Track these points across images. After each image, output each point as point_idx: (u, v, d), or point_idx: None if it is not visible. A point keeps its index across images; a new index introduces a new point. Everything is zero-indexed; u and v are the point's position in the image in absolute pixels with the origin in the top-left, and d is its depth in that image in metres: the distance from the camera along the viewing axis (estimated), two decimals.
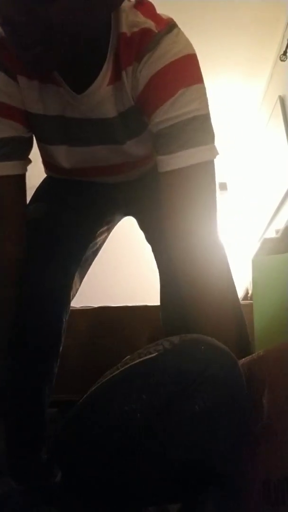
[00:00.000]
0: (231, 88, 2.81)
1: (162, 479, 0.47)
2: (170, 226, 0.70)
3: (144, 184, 0.93)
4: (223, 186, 3.49)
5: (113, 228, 1.06)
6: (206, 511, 0.49)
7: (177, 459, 0.46)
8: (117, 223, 1.07)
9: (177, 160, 0.66)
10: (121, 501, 0.48)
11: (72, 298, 0.86)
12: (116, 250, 2.04)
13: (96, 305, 1.31)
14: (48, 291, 0.76)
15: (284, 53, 2.43)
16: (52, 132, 0.77)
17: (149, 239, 0.96)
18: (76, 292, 0.88)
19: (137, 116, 0.73)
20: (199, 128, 0.67)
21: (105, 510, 0.48)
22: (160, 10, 0.72)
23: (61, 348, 0.79)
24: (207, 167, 0.68)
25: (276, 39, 2.52)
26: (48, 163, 0.89)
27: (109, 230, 1.04)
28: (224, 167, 3.36)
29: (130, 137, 0.77)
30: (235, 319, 0.68)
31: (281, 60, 2.47)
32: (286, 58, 2.43)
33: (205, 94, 0.69)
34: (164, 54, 0.66)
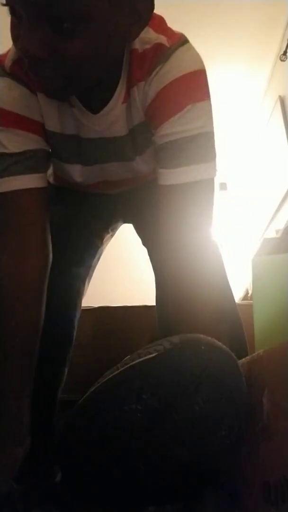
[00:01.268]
0: (231, 88, 2.81)
1: (162, 479, 0.47)
2: (166, 239, 0.69)
3: (142, 189, 0.93)
4: (223, 186, 3.49)
5: (115, 234, 1.07)
6: (206, 511, 0.49)
7: (177, 459, 0.46)
8: (118, 228, 1.08)
9: (178, 176, 0.66)
10: (121, 501, 0.48)
11: (80, 305, 0.87)
12: (116, 250, 2.04)
13: (96, 305, 1.31)
14: (62, 297, 0.77)
15: (284, 53, 2.43)
16: (67, 150, 0.77)
17: (145, 243, 0.97)
18: (84, 296, 0.90)
19: (145, 131, 0.73)
20: (202, 145, 0.67)
21: (105, 510, 0.48)
22: (160, 10, 0.71)
23: (71, 352, 0.80)
24: (207, 184, 0.68)
25: (276, 39, 2.52)
26: (59, 176, 0.89)
27: (112, 237, 1.05)
28: (224, 167, 3.36)
29: (138, 153, 0.78)
30: (230, 329, 0.68)
31: (281, 60, 2.47)
32: (286, 58, 2.43)
33: (211, 111, 0.69)
34: (174, 68, 0.66)
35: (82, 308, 1.24)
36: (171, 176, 0.67)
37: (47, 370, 0.73)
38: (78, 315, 0.83)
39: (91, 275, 0.95)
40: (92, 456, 0.48)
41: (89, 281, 0.93)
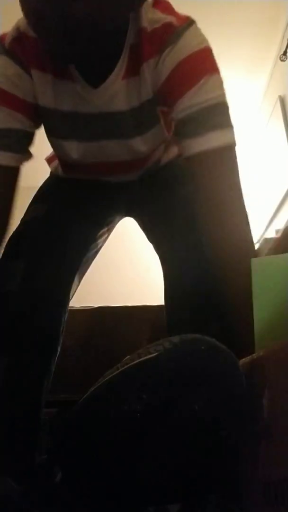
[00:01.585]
0: (231, 88, 2.80)
1: (162, 479, 0.47)
2: (205, 210, 0.71)
3: (145, 185, 0.94)
4: None
5: (113, 229, 1.06)
6: (206, 511, 0.49)
7: (177, 459, 0.46)
8: (117, 223, 1.07)
9: (210, 141, 0.68)
10: (121, 501, 0.48)
11: (71, 298, 0.86)
12: (116, 250, 2.04)
13: (96, 305, 1.31)
14: (48, 291, 0.76)
15: (284, 53, 2.43)
16: (63, 127, 0.78)
17: (152, 238, 0.96)
18: (74, 293, 0.88)
19: (151, 110, 0.75)
20: (225, 112, 0.71)
21: (105, 510, 0.48)
22: None
23: (59, 348, 0.79)
24: (234, 149, 0.71)
25: (276, 39, 2.52)
26: (58, 157, 0.90)
27: (109, 231, 1.04)
28: None
29: (140, 132, 0.79)
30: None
31: (281, 60, 2.47)
32: (286, 58, 2.43)
33: (223, 83, 0.72)
34: (187, 45, 0.69)
35: (82, 308, 1.24)
36: (203, 143, 0.68)
37: (30, 364, 0.73)
38: (66, 310, 0.82)
39: (84, 271, 0.94)
40: (92, 456, 0.48)
41: (81, 277, 0.92)
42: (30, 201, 0.94)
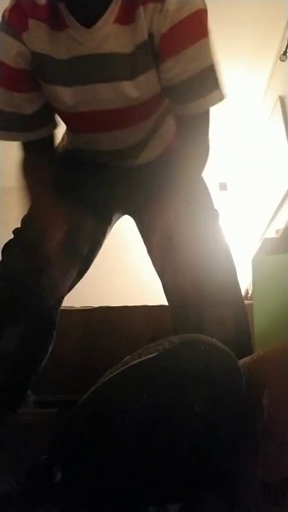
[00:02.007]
0: (231, 88, 2.80)
1: (162, 479, 0.47)
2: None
3: (142, 176, 0.94)
4: (223, 186, 3.49)
5: (112, 226, 1.06)
6: (206, 511, 0.49)
7: (177, 458, 0.46)
8: (116, 221, 1.07)
9: (207, 103, 0.78)
10: (121, 500, 0.48)
11: (70, 286, 0.89)
12: (116, 250, 2.04)
13: (96, 305, 1.31)
14: (48, 280, 0.79)
15: (284, 53, 2.43)
16: (57, 72, 0.81)
17: (145, 241, 0.97)
18: (73, 285, 0.90)
19: (146, 53, 0.76)
20: (218, 73, 0.77)
21: (105, 510, 0.48)
22: None
23: (55, 333, 0.82)
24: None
25: (276, 39, 2.52)
26: (55, 109, 0.92)
27: (110, 227, 1.04)
28: (224, 167, 3.36)
29: (131, 75, 0.79)
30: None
31: (281, 60, 2.47)
32: (286, 58, 2.43)
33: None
34: (190, 2, 0.72)
35: (82, 308, 1.24)
36: (202, 104, 0.78)
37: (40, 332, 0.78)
38: (60, 303, 0.86)
39: (87, 267, 0.95)
40: (92, 456, 0.48)
41: (81, 272, 0.93)
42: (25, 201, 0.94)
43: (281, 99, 2.64)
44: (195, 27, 0.74)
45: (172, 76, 0.76)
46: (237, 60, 2.58)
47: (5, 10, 0.79)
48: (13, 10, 0.78)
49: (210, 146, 0.84)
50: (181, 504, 0.51)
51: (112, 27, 0.75)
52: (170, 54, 0.74)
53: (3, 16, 0.79)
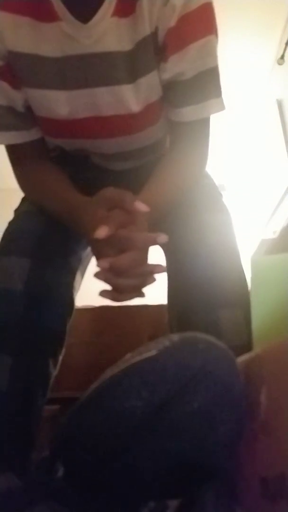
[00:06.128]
0: (229, 92, 2.81)
1: (162, 475, 0.48)
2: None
3: (139, 176, 0.90)
4: (221, 187, 3.48)
5: None
6: (205, 507, 0.49)
7: (176, 455, 0.46)
8: None
9: (206, 110, 0.75)
10: (122, 496, 0.49)
11: (75, 296, 0.85)
12: None
13: (97, 304, 1.31)
14: (49, 289, 0.75)
15: (282, 57, 2.44)
16: (48, 75, 0.72)
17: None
18: (78, 289, 0.87)
19: (147, 51, 0.71)
20: (218, 77, 0.75)
21: (106, 505, 0.49)
22: None
23: (64, 348, 0.78)
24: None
25: (274, 42, 2.53)
26: (42, 122, 0.81)
27: None
28: (222, 169, 3.37)
29: (131, 78, 0.73)
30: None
31: (279, 64, 2.48)
32: (284, 62, 2.44)
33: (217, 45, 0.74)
34: None
35: (82, 307, 1.24)
36: (200, 111, 0.75)
37: (29, 363, 0.72)
38: (70, 310, 0.81)
39: (85, 267, 0.92)
40: (93, 452, 0.48)
41: (83, 274, 0.90)
42: (18, 202, 0.92)
43: (279, 103, 2.65)
44: (202, 22, 0.69)
45: (173, 75, 0.72)
46: (234, 63, 2.59)
47: None
48: None
49: (206, 161, 0.80)
50: (181, 500, 0.51)
51: (111, 21, 0.68)
52: (175, 50, 0.69)
53: None
